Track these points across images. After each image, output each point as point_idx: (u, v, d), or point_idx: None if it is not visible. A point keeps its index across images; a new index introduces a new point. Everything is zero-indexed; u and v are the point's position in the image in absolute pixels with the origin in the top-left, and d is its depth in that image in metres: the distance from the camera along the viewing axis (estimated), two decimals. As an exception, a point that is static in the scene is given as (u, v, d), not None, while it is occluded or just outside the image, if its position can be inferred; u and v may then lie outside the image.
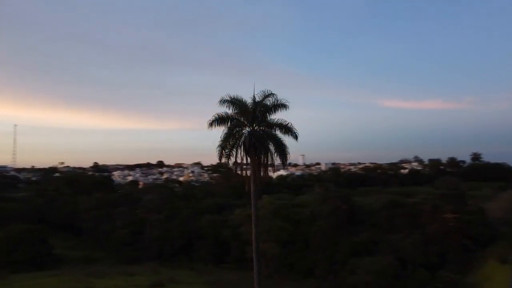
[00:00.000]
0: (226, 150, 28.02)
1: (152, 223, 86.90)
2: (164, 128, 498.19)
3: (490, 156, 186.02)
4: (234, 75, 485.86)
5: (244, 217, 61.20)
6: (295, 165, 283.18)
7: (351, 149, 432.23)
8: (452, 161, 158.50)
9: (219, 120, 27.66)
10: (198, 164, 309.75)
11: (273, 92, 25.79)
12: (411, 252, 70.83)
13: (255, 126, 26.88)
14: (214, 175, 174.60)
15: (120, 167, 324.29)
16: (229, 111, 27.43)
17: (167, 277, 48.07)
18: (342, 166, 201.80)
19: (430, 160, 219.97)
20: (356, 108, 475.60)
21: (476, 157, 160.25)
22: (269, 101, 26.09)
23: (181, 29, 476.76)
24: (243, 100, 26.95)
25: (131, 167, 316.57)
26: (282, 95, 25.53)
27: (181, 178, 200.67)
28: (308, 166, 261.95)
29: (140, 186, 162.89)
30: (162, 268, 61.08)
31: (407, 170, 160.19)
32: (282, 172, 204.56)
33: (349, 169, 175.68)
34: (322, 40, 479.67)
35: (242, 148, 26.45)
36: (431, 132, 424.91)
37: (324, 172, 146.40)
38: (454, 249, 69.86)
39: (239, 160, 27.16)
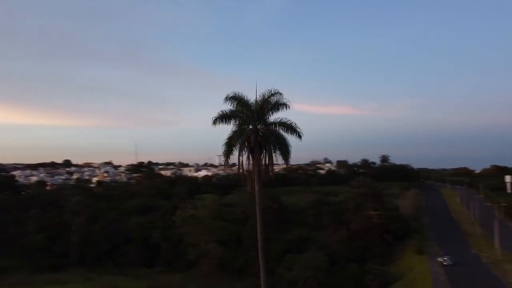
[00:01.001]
0: (233, 148, 27.01)
1: (72, 226, 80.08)
2: (70, 125, 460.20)
3: (395, 158, 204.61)
4: (146, 72, 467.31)
5: (186, 218, 59.30)
6: (211, 165, 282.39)
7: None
8: (364, 163, 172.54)
9: (224, 117, 26.48)
10: (109, 163, 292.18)
11: (279, 91, 25.38)
12: (338, 247, 75.19)
13: (259, 124, 26.23)
14: (135, 175, 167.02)
15: (19, 166, 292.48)
16: (232, 108, 26.46)
17: (108, 284, 44.47)
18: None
19: (338, 162, 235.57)
20: None
21: (384, 159, 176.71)
22: (272, 100, 25.58)
23: (94, 19, 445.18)
24: (247, 98, 26.21)
25: (33, 167, 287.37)
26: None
27: (95, 179, 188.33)
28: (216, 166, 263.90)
29: (48, 187, 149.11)
30: (92, 274, 56.42)
31: (324, 171, 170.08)
32: (205, 172, 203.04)
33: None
34: (236, 41, 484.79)
35: (247, 146, 25.59)
36: (338, 135, 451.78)
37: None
38: (376, 243, 75.64)
39: (243, 159, 26.27)
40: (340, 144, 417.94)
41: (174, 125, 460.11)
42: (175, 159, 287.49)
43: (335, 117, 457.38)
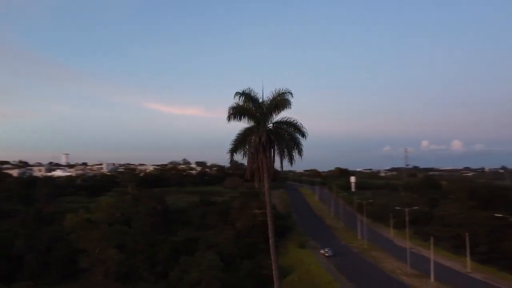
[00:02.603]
0: (241, 147, 25.05)
1: None
2: None
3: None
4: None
5: (78, 223, 52.70)
6: (57, 165, 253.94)
7: (120, 149, 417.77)
8: (234, 164, 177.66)
9: (237, 113, 24.46)
10: None
11: (290, 91, 24.77)
12: (226, 246, 76.99)
13: (268, 123, 25.09)
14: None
15: None
16: (240, 103, 24.72)
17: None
18: (119, 167, 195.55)
19: (197, 163, 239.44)
20: (120, 108, 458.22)
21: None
22: (279, 98, 24.82)
23: None
24: (257, 96, 24.84)
25: None
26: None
27: None
28: (72, 166, 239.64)
29: None
30: None
31: (195, 171, 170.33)
32: (61, 173, 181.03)
33: (146, 169, 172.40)
34: (92, 34, 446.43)
35: (259, 144, 24.14)
36: (195, 136, 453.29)
37: (121, 173, 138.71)
38: (261, 240, 79.88)
39: (256, 156, 24.68)
40: (196, 145, 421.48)
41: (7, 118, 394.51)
42: (10, 158, 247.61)
43: (190, 118, 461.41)
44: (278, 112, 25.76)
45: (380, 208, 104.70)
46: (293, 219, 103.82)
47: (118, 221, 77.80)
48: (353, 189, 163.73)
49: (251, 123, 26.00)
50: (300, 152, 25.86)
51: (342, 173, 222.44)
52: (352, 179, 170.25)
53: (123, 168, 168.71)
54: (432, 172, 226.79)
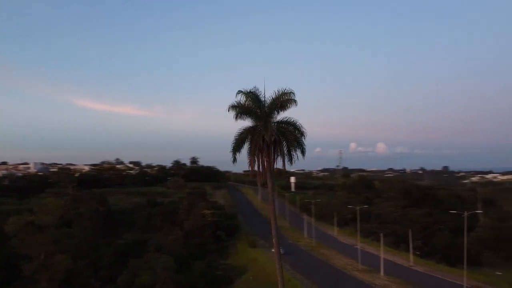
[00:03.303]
0: (239, 145, 23.87)
1: None
2: None
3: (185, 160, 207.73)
4: None
5: (22, 226, 48.24)
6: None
7: (47, 148, 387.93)
8: (176, 164, 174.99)
9: (243, 112, 23.29)
10: None
11: (292, 91, 24.25)
12: (175, 247, 75.27)
13: (270, 122, 24.25)
14: None
15: None
16: (243, 102, 23.65)
17: None
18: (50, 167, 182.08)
19: (132, 163, 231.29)
20: (44, 103, 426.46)
21: (194, 160, 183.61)
22: (283, 99, 24.20)
23: None
24: (260, 95, 23.94)
25: None
26: None
27: None
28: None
29: None
30: None
31: (133, 172, 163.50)
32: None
33: (82, 169, 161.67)
34: (16, 24, 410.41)
35: (263, 143, 23.20)
36: (130, 135, 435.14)
37: (55, 173, 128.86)
38: (210, 240, 79.31)
39: (256, 156, 23.68)
40: (129, 144, 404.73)
41: None
42: None
43: (123, 116, 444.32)
44: (279, 112, 25.85)
45: (322, 207, 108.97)
46: (240, 219, 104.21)
47: (57, 224, 72.89)
48: (292, 189, 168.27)
49: (253, 122, 25.81)
50: (303, 152, 26.07)
51: (279, 174, 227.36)
52: (292, 179, 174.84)
53: (56, 168, 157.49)
54: (360, 173, 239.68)
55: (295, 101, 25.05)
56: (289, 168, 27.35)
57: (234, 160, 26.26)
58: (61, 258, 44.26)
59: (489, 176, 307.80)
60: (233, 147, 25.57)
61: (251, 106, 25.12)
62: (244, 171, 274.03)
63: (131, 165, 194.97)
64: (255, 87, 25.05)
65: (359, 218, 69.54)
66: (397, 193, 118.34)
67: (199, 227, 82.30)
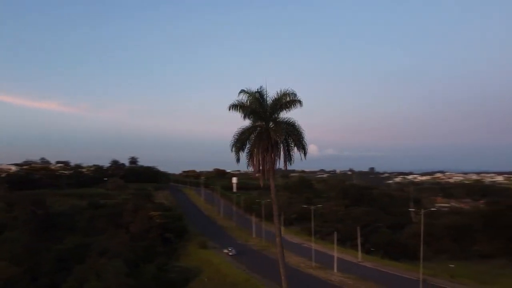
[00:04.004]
0: (242, 144, 22.62)
1: None
2: None
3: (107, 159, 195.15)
4: None
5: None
6: None
7: None
8: (114, 164, 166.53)
9: (248, 112, 22.08)
10: None
11: (294, 92, 23.74)
12: (121, 250, 72.12)
13: (271, 122, 23.40)
14: None
15: None
16: (244, 101, 22.56)
17: None
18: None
19: (59, 162, 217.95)
20: None
21: (133, 160, 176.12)
22: (285, 99, 23.58)
23: None
24: (260, 95, 22.97)
25: None
26: None
27: None
28: None
29: None
30: None
31: (67, 172, 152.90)
32: None
33: (9, 170, 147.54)
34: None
35: (267, 142, 22.29)
36: (51, 133, 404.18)
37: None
38: (158, 243, 77.14)
39: (255, 155, 22.65)
40: (54, 143, 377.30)
41: None
42: None
43: (48, 113, 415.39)
44: (280, 112, 25.83)
45: (266, 208, 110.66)
46: (186, 220, 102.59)
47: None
48: (234, 189, 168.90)
49: (253, 122, 25.59)
50: (305, 152, 26.11)
51: (220, 174, 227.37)
52: (234, 180, 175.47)
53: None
54: (293, 174, 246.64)
55: (300, 101, 25.25)
56: (289, 168, 27.66)
57: (238, 159, 25.58)
58: (3, 265, 40.50)
59: (410, 177, 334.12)
60: (236, 146, 25.14)
61: (255, 106, 25.03)
62: (184, 171, 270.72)
63: (60, 165, 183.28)
64: (261, 87, 25.00)
65: (313, 217, 71.95)
66: (337, 193, 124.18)
67: (146, 229, 79.76)
